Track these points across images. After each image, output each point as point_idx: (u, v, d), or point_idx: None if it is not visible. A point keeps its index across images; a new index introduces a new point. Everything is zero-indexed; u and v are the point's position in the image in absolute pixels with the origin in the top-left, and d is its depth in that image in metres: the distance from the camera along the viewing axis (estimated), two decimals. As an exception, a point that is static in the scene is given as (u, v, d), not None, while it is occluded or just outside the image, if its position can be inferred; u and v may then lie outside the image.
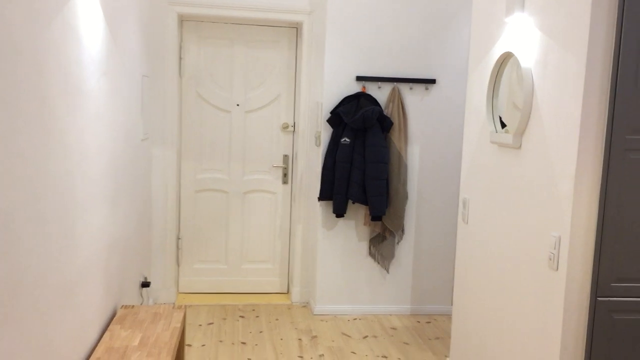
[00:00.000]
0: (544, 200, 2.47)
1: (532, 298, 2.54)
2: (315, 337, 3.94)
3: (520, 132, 2.68)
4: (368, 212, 4.24)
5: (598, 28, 2.20)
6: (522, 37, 2.69)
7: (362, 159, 4.12)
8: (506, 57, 2.85)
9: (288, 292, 4.77)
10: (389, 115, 4.21)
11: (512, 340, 2.71)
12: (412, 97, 4.30)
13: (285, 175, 4.66)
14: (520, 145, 2.69)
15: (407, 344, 3.87)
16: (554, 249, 2.37)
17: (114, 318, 2.97)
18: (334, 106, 4.24)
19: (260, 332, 3.99)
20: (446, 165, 4.38)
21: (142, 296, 3.94)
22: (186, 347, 3.67)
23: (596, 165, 2.26)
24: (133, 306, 3.15)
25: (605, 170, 2.25)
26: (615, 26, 2.20)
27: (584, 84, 2.23)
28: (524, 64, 2.64)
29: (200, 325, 4.07)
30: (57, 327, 2.10)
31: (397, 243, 4.40)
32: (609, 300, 2.30)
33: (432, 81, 4.28)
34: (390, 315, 4.41)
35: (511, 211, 2.76)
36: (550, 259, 2.39)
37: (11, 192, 1.66)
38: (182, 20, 4.46)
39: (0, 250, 1.58)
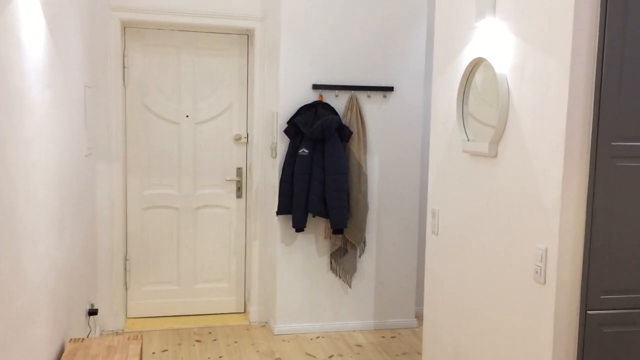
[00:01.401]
0: (526, 210, 2.38)
1: (516, 312, 2.44)
2: (278, 359, 3.74)
3: (496, 141, 2.58)
4: (329, 226, 4.08)
5: (581, 31, 2.13)
6: (495, 42, 2.60)
7: (322, 170, 3.96)
8: (477, 63, 2.76)
9: (245, 311, 4.54)
10: (347, 125, 4.07)
11: (493, 356, 2.60)
12: (370, 105, 4.19)
13: (239, 189, 4.45)
14: (497, 154, 2.60)
15: (374, 361, 3.73)
16: (541, 261, 2.27)
17: (63, 354, 2.68)
18: (290, 116, 4.07)
19: (220, 357, 3.75)
20: (406, 174, 4.28)
21: (89, 325, 3.63)
22: (141, 379, 3.39)
23: (582, 174, 2.19)
24: (83, 339, 2.86)
25: (592, 178, 2.18)
26: (597, 29, 2.13)
27: (568, 90, 2.15)
28: (498, 70, 2.55)
29: (153, 353, 3.79)
30: (2, 375, 1.83)
31: (359, 256, 4.25)
32: (598, 314, 2.22)
33: (390, 89, 4.18)
34: (354, 331, 4.26)
35: (488, 223, 2.66)
36: (536, 272, 2.30)
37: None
38: (125, 27, 4.19)
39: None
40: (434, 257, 3.23)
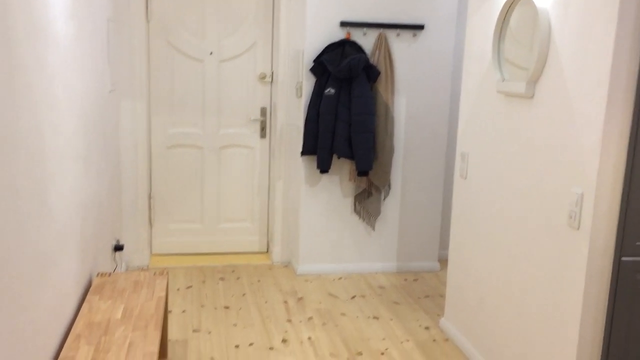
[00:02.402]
0: (562, 153, 2.30)
1: (547, 258, 2.39)
2: (301, 298, 3.77)
3: (534, 80, 2.48)
4: (354, 167, 4.03)
5: (634, -37, 1.99)
6: (538, -24, 2.46)
7: (348, 111, 3.88)
8: (515, 0, 2.62)
9: (268, 251, 4.57)
10: (375, 64, 3.96)
11: (521, 302, 2.58)
12: (400, 44, 4.05)
13: (263, 129, 4.39)
14: (533, 95, 2.50)
15: (397, 303, 3.74)
16: (576, 206, 2.21)
17: (91, 288, 2.71)
18: (316, 54, 3.96)
19: (243, 294, 3.79)
20: (435, 116, 4.18)
21: (115, 261, 3.67)
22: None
23: (625, 116, 2.09)
24: (110, 274, 2.89)
25: (635, 121, 2.08)
26: (652, -39, 1.99)
27: (615, 27, 2.03)
28: (539, 4, 2.41)
29: (178, 289, 3.84)
30: (33, 306, 1.84)
31: (384, 199, 4.21)
32: (633, 261, 2.17)
33: (421, 27, 4.03)
34: (377, 273, 4.27)
35: (521, 166, 2.59)
36: (570, 217, 2.23)
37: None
38: (148, -41, 4.06)
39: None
40: (462, 201, 3.18)
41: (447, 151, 4.43)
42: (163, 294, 2.68)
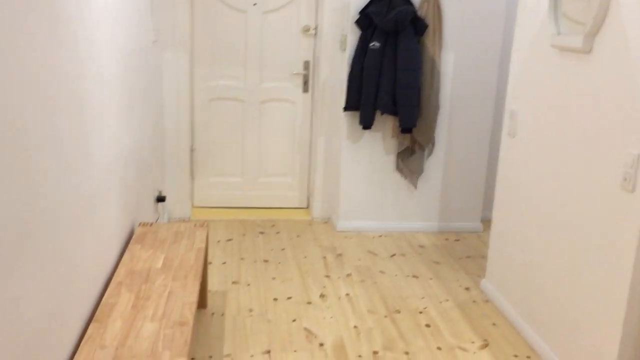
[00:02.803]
0: (619, 112, 2.17)
1: (598, 220, 2.29)
2: (340, 255, 3.75)
3: (593, 33, 2.33)
4: (397, 124, 3.94)
5: None
6: None
7: (393, 65, 3.77)
8: (577, -55, 2.45)
9: (308, 207, 4.56)
10: (423, 17, 3.81)
11: (569, 267, 2.50)
12: (449, -3, 3.89)
13: (305, 83, 4.32)
14: (591, 49, 2.36)
15: (437, 263, 3.69)
16: (631, 168, 2.09)
17: (133, 237, 2.74)
18: (362, 6, 3.83)
19: (283, 249, 3.80)
20: (483, 73, 4.03)
21: (157, 212, 3.71)
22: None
23: (693, 72, 1.95)
24: (152, 224, 2.92)
25: (703, 78, 1.94)
26: None
27: (687, -26, 1.87)
28: (603, -48, 2.25)
29: (218, 241, 3.88)
30: (75, 252, 1.86)
31: (427, 157, 4.12)
32: (691, 226, 2.05)
33: (472, -22, 3.85)
34: (417, 232, 4.21)
35: (575, 124, 2.47)
36: (625, 180, 2.12)
37: (20, 97, 1.36)
38: None
39: (13, 173, 1.31)
40: (508, 161, 3.07)
41: (496, 109, 4.28)
42: (203, 245, 2.70)
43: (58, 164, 1.68)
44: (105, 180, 2.29)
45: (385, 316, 3.00)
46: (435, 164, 4.15)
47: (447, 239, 4.10)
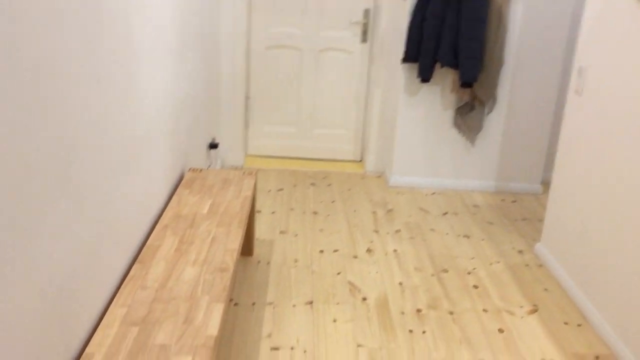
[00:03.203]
0: (701, 70, 1.98)
1: (665, 188, 2.13)
2: (390, 210, 3.69)
3: (678, -17, 2.12)
4: (457, 78, 3.78)
5: None
6: None
7: (456, 16, 3.58)
8: None
9: (361, 160, 4.49)
10: (491, -36, 3.59)
11: (632, 238, 2.35)
12: (521, -57, 3.64)
13: (364, 32, 4.19)
14: (675, 0, 2.15)
15: (491, 223, 3.57)
16: None
17: (182, 182, 2.76)
18: (427, -48, 3.64)
19: (333, 201, 3.76)
20: (553, 27, 3.79)
21: (209, 158, 3.73)
22: (256, 214, 3.49)
23: None
24: (201, 170, 2.93)
25: None
26: None
27: None
28: None
29: (269, 190, 3.87)
30: (120, 194, 1.87)
31: (487, 114, 3.96)
32: None
33: None
34: (473, 191, 4.09)
35: (648, 83, 2.28)
36: (701, 144, 1.95)
37: (60, 31, 1.34)
38: None
39: (55, 109, 1.30)
40: (574, 120, 2.89)
41: (564, 66, 4.04)
42: (250, 193, 2.69)
43: (99, 101, 1.67)
44: (155, 123, 2.29)
45: (432, 275, 2.93)
46: (495, 121, 3.98)
47: (503, 200, 3.96)
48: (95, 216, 1.66)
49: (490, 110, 3.93)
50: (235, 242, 2.21)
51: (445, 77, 3.88)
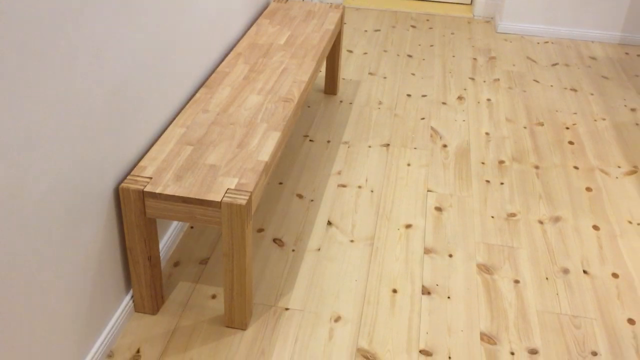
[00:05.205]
0: None
1: None
2: (493, 58, 3.40)
3: None
4: None
5: None
6: None
7: None
8: None
9: (471, 3, 4.11)
10: None
11: None
12: None
13: None
14: None
15: (605, 77, 3.21)
16: None
17: (264, 12, 2.66)
18: None
19: (431, 45, 3.52)
20: None
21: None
22: (346, 53, 3.36)
23: None
24: (287, 0, 2.80)
25: None
26: None
27: None
28: None
29: (365, 31, 3.68)
30: (189, 14, 1.82)
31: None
32: None
33: None
34: (592, 42, 3.65)
35: None
36: None
37: None
38: None
39: None
40: None
41: None
42: (332, 27, 2.55)
43: None
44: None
45: (525, 127, 2.73)
46: (632, -40, 3.42)
47: (627, 53, 3.52)
48: (158, 31, 1.63)
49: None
50: (306, 74, 2.13)
51: None
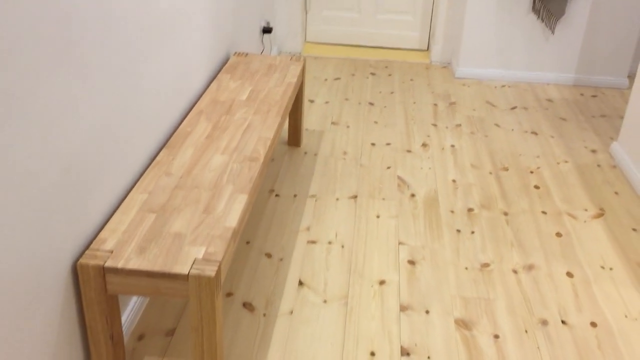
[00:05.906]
0: None
1: None
2: (453, 103, 3.43)
3: None
4: (538, -46, 3.34)
5: None
6: None
7: None
8: None
9: (428, 49, 4.17)
10: None
11: None
12: None
13: None
14: None
15: (564, 120, 3.26)
16: None
17: (225, 66, 2.62)
18: None
19: (392, 92, 3.54)
20: None
21: (263, 43, 3.55)
22: (308, 103, 3.34)
23: None
24: (247, 54, 2.77)
25: None
26: None
27: None
28: None
29: (325, 79, 3.68)
30: (145, 74, 1.76)
31: (571, -4, 3.52)
32: None
33: None
34: (548, 84, 3.73)
35: None
36: None
37: None
38: None
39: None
40: (670, 1, 2.48)
41: (669, -61, 3.48)
42: (294, 80, 2.52)
43: (109, -27, 1.51)
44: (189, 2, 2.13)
45: (490, 172, 2.73)
46: (580, 6, 3.53)
47: (582, 94, 3.60)
48: (114, 96, 1.55)
49: (575, -8, 3.49)
50: (271, 130, 2.09)
51: (524, -46, 3.44)
